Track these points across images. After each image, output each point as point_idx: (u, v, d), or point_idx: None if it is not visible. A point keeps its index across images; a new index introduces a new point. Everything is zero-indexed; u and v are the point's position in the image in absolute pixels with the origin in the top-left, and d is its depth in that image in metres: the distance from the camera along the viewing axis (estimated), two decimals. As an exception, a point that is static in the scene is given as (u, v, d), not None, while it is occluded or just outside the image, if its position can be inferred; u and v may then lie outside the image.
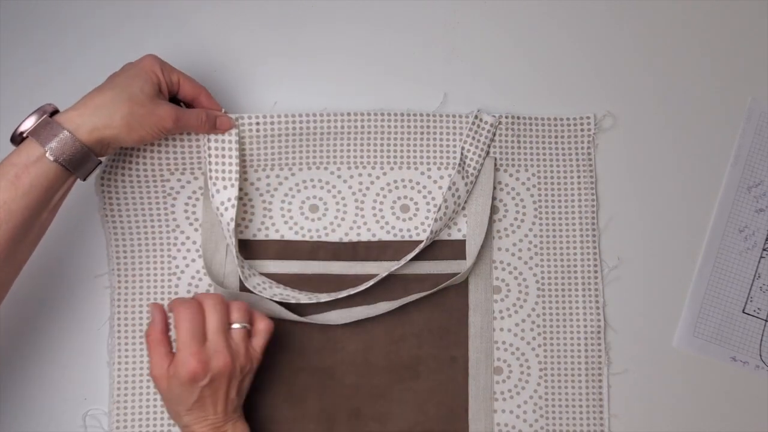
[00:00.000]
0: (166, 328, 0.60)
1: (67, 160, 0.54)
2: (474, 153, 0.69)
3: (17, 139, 0.56)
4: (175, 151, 0.67)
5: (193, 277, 0.69)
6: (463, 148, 0.69)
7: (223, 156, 0.66)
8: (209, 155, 0.66)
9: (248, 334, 0.61)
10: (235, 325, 0.60)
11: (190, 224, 0.68)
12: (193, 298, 0.60)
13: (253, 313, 0.62)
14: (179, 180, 0.68)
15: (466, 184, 0.69)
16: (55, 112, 0.57)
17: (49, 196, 0.55)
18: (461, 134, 0.70)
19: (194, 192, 0.68)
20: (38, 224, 0.56)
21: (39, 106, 0.57)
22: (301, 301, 0.66)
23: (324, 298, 0.66)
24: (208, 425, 0.59)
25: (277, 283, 0.67)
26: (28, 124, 0.55)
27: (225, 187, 0.66)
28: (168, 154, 0.67)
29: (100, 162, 0.58)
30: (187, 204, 0.68)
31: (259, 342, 0.61)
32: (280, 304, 0.66)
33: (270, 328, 0.62)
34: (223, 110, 0.66)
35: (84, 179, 0.58)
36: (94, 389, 0.68)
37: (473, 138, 0.69)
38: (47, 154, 0.53)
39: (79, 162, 0.55)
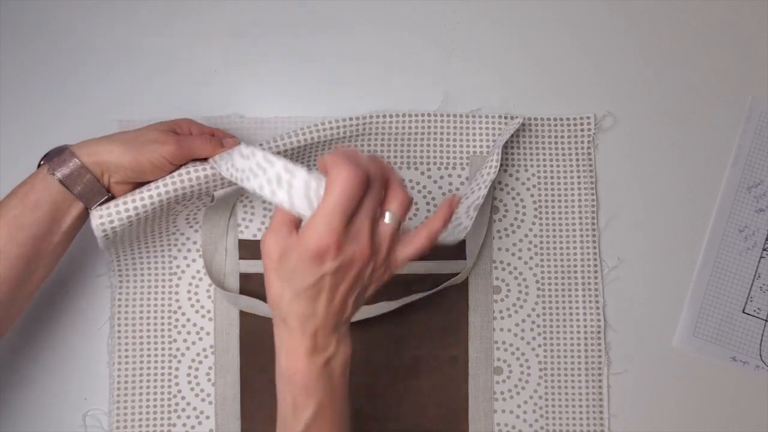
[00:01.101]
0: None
1: (64, 174, 0.57)
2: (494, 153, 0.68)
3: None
4: (182, 183, 0.60)
5: (193, 277, 0.69)
6: (493, 150, 0.68)
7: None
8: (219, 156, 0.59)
9: (397, 233, 0.49)
10: (388, 218, 0.49)
11: (190, 226, 0.68)
12: (361, 164, 0.47)
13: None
14: (185, 205, 0.65)
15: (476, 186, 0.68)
16: None
17: (56, 215, 0.58)
18: (461, 134, 0.70)
19: (197, 207, 0.67)
20: (50, 247, 0.58)
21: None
22: None
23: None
24: (310, 330, 0.49)
25: None
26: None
27: (265, 169, 0.52)
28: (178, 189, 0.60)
29: (108, 193, 0.59)
30: (188, 214, 0.67)
31: (406, 251, 0.50)
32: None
33: (426, 247, 0.51)
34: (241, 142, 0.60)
35: (91, 207, 0.59)
36: (94, 389, 0.68)
37: (494, 139, 0.69)
38: (47, 170, 0.58)
39: (78, 181, 0.58)
